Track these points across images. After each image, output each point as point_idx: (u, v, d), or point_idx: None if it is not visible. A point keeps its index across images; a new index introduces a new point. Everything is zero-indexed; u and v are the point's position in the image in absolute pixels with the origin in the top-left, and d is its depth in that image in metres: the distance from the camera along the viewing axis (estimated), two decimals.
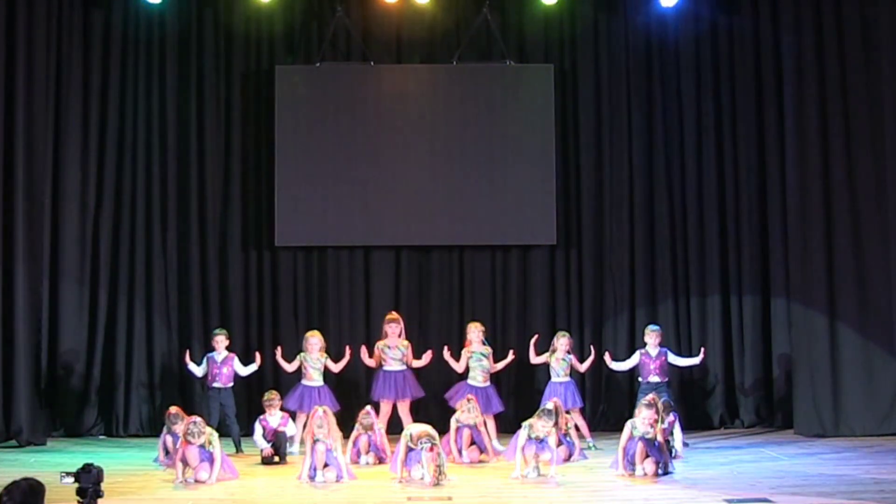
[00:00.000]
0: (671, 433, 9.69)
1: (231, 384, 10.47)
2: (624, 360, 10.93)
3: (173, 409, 9.63)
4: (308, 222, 11.79)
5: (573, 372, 10.74)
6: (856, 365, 11.16)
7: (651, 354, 10.61)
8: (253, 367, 10.59)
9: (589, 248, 12.06)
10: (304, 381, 10.56)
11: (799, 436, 11.11)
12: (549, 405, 9.43)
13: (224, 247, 11.90)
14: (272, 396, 10.13)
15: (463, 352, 10.65)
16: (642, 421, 9.00)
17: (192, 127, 11.89)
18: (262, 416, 10.02)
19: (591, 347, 10.98)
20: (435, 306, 11.98)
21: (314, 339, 10.61)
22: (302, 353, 10.65)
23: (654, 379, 10.46)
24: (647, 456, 8.96)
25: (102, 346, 11.56)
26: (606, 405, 11.81)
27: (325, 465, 8.93)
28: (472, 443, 9.79)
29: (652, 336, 10.68)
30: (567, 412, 10.19)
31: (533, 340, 10.80)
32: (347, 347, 10.86)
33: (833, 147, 11.29)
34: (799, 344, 11.32)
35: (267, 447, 9.83)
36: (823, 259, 11.22)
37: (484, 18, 11.89)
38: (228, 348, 10.64)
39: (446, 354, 10.70)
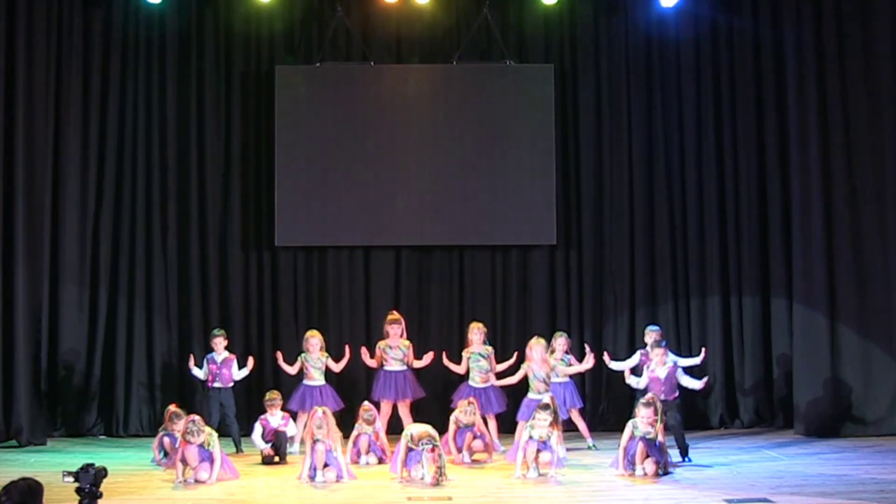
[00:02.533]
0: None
1: (231, 384, 10.47)
2: (624, 360, 10.89)
3: (173, 408, 9.64)
4: (308, 222, 11.79)
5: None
6: (856, 365, 11.16)
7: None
8: (245, 372, 10.56)
9: (589, 248, 12.06)
10: (305, 381, 10.57)
11: (799, 436, 11.12)
12: (546, 399, 9.44)
13: (224, 247, 11.90)
14: (274, 396, 10.13)
15: (463, 353, 10.64)
16: (642, 420, 9.00)
17: (192, 127, 11.90)
18: (263, 416, 10.02)
19: (587, 346, 10.88)
20: (435, 306, 11.98)
21: (314, 340, 10.61)
22: (303, 354, 10.64)
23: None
24: (648, 456, 8.96)
25: (102, 346, 11.56)
26: (606, 405, 11.80)
27: (325, 466, 8.94)
28: (474, 437, 9.81)
29: (652, 337, 10.57)
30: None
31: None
32: (347, 346, 10.85)
33: (833, 147, 11.29)
34: (799, 344, 11.32)
35: (266, 447, 9.83)
36: (823, 259, 11.21)
37: (484, 18, 11.89)
38: (228, 349, 10.65)
39: (445, 360, 10.68)
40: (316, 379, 10.56)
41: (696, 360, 10.76)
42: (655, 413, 9.03)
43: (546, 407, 9.12)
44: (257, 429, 9.95)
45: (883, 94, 11.28)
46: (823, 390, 11.14)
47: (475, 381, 10.48)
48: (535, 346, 10.16)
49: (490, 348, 10.66)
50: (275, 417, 9.99)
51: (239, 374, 10.50)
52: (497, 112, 11.91)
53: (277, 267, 11.95)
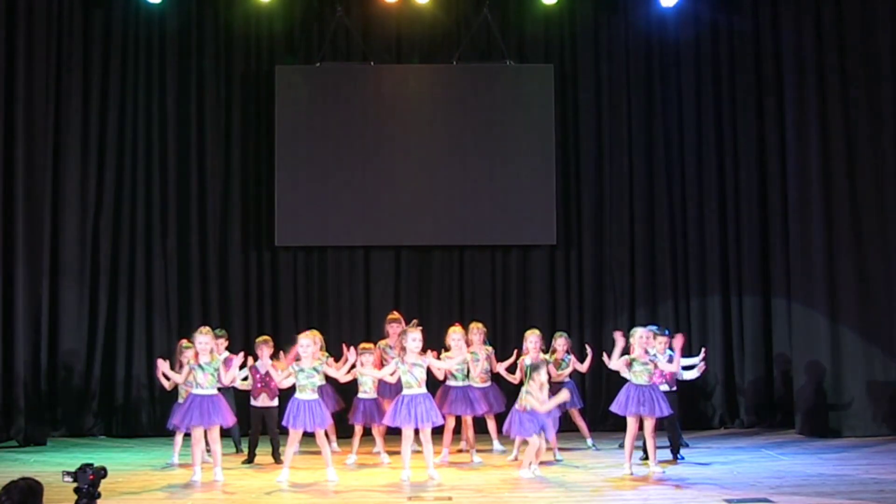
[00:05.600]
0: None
1: (231, 385, 10.43)
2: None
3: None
4: (308, 222, 11.80)
5: (573, 372, 10.69)
6: (856, 365, 11.16)
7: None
8: (249, 383, 10.42)
9: (589, 248, 12.07)
10: None
11: (799, 436, 11.13)
12: (536, 365, 9.43)
13: (224, 247, 11.92)
14: (266, 338, 10.08)
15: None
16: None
17: (192, 127, 11.91)
18: (252, 365, 9.96)
19: (588, 347, 10.83)
20: (435, 306, 11.99)
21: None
22: None
23: (665, 388, 10.19)
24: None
25: (102, 346, 11.57)
26: (607, 405, 11.78)
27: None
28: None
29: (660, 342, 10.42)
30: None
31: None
32: (344, 346, 10.78)
33: (833, 147, 11.30)
34: (799, 344, 11.33)
35: (241, 385, 9.99)
36: (823, 259, 11.22)
37: (484, 18, 11.91)
38: (228, 349, 10.61)
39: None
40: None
41: (695, 360, 10.69)
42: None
43: (536, 368, 9.16)
44: (244, 374, 10.00)
45: (882, 93, 11.28)
46: (823, 390, 11.15)
47: (474, 381, 10.45)
48: (531, 336, 10.18)
49: (489, 348, 10.65)
50: (264, 363, 9.90)
51: (243, 384, 10.36)
52: (497, 112, 11.92)
53: (277, 267, 11.96)
